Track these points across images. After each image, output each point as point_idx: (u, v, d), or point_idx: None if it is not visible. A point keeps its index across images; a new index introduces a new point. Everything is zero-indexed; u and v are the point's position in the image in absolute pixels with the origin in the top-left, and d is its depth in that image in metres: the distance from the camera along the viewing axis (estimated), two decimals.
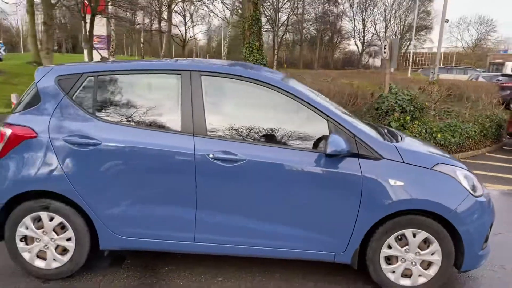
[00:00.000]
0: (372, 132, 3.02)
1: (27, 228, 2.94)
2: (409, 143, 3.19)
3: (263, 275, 3.14)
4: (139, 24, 36.40)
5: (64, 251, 2.99)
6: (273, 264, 3.26)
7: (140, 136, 2.87)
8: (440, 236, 2.83)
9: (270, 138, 2.95)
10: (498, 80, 19.07)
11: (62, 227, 2.95)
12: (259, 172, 2.82)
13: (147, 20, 36.92)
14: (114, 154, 2.84)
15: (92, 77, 2.96)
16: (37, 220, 2.94)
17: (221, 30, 45.63)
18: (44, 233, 2.95)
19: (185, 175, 2.82)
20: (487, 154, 8.37)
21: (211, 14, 34.39)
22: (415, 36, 68.74)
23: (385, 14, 63.15)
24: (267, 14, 38.57)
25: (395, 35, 66.68)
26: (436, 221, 2.82)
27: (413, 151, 2.97)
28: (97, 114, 2.92)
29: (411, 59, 60.94)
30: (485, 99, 9.94)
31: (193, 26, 37.13)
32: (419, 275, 2.91)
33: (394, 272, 2.92)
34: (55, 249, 2.97)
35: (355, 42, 66.40)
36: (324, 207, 2.84)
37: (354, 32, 64.27)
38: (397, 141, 3.07)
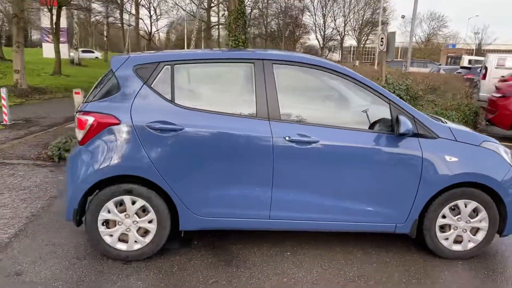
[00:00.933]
0: (425, 115, 3.36)
1: (109, 212, 3.04)
2: (454, 124, 3.56)
3: (325, 249, 3.41)
4: (103, 16, 35.35)
5: (145, 233, 3.12)
6: (333, 239, 3.54)
7: (218, 121, 3.04)
8: (488, 206, 3.22)
9: (338, 120, 3.21)
10: (459, 72, 20.31)
11: (143, 210, 3.08)
12: (331, 153, 3.08)
13: (117, 14, 35.99)
14: (195, 139, 3.00)
15: (169, 66, 3.09)
16: (119, 204, 3.05)
17: (183, 23, 45.13)
18: (127, 216, 3.06)
19: (263, 157, 3.03)
20: None
21: (177, 7, 33.92)
22: (371, 31, 70.87)
23: (344, 9, 64.66)
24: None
25: (354, 30, 68.48)
26: (484, 192, 3.21)
27: (462, 130, 3.34)
28: (176, 101, 3.05)
29: (368, 54, 62.97)
30: (462, 90, 10.69)
31: (157, 20, 36.43)
32: (469, 241, 3.29)
33: (447, 239, 3.28)
34: (137, 231, 3.10)
35: (316, 36, 67.57)
36: (389, 183, 3.15)
37: (315, 26, 65.41)
38: (445, 123, 3.43)
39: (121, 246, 3.11)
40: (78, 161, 3.03)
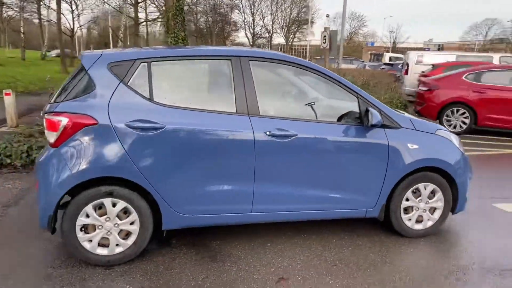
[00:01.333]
0: (388, 107, 3.63)
1: (88, 217, 2.92)
2: (411, 115, 3.89)
3: (301, 238, 3.57)
4: (17, 10, 32.60)
5: (127, 235, 3.04)
6: (307, 228, 3.71)
7: (199, 119, 3.05)
8: (443, 187, 3.58)
9: (312, 114, 3.37)
10: (383, 68, 21.81)
11: (125, 212, 3.00)
12: (308, 145, 3.23)
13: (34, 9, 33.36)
14: (177, 136, 2.98)
15: (146, 63, 3.03)
16: (98, 207, 2.94)
17: (108, 18, 43.09)
18: (107, 219, 2.96)
19: (245, 152, 3.10)
20: None
21: (102, 1, 32.26)
22: (298, 29, 73.03)
23: (271, 7, 65.98)
24: (157, 4, 37.64)
25: (282, 28, 70.17)
26: (440, 175, 3.56)
27: (420, 120, 3.66)
28: (155, 99, 3.01)
29: (295, 52, 64.88)
30: (391, 85, 11.54)
31: (78, 15, 34.32)
32: (428, 220, 3.64)
33: (410, 219, 3.60)
34: (118, 234, 3.01)
35: (245, 34, 68.23)
36: (360, 172, 3.38)
37: (244, 24, 66.06)
38: (404, 114, 3.74)
39: (102, 251, 3.00)
40: (52, 165, 2.86)
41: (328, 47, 7.65)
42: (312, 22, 71.68)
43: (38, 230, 3.27)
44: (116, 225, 2.99)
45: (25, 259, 3.07)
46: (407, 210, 3.60)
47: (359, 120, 3.37)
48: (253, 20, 68.09)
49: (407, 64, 14.17)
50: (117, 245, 3.02)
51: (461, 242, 3.64)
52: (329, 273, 3.02)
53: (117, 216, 2.98)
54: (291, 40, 71.58)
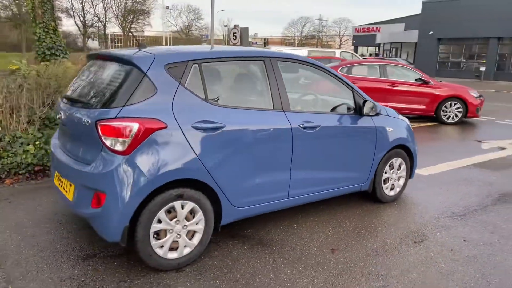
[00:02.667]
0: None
1: (160, 222, 2.87)
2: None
3: (315, 217, 4.08)
4: None
5: (192, 235, 3.07)
6: (310, 210, 4.23)
7: (248, 116, 3.26)
8: (406, 160, 4.58)
9: (325, 106, 3.91)
10: None
11: (191, 212, 3.03)
12: (326, 134, 3.75)
13: None
14: (234, 134, 3.14)
15: (197, 65, 3.08)
16: (168, 211, 2.91)
17: None
18: (177, 222, 2.95)
19: (286, 144, 3.45)
20: None
21: None
22: (134, 20, 70.47)
23: None
24: None
25: (117, 17, 66.55)
26: (403, 151, 4.52)
27: (388, 108, 4.54)
28: (209, 99, 3.09)
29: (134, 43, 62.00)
30: None
31: None
32: (397, 187, 4.58)
33: (387, 188, 4.48)
34: (186, 235, 3.03)
35: (75, 22, 62.52)
36: (359, 152, 4.07)
37: (73, 11, 60.46)
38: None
39: (172, 255, 2.98)
40: (124, 174, 2.71)
41: (239, 43, 8.11)
42: (148, 13, 69.98)
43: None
44: (184, 227, 3.00)
45: (100, 276, 2.82)
46: (385, 181, 4.46)
47: (353, 111, 4.04)
48: (83, 8, 62.84)
49: None
50: (185, 246, 3.03)
51: (417, 200, 4.69)
52: (359, 237, 3.64)
53: (185, 217, 3.00)
54: (128, 30, 68.62)
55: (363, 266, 3.15)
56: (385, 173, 4.41)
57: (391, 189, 4.55)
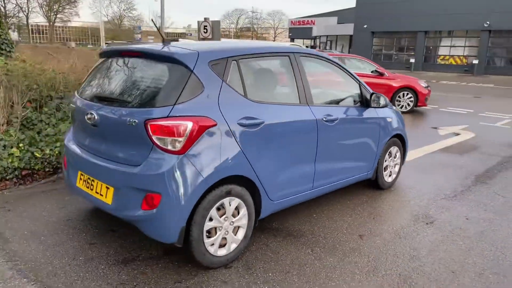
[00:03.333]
0: None
1: (211, 220, 2.87)
2: None
3: (327, 207, 4.25)
4: None
5: (237, 231, 3.09)
6: (322, 199, 4.40)
7: (281, 111, 3.34)
8: (400, 148, 4.91)
9: (340, 99, 4.07)
10: None
11: (235, 208, 3.05)
12: (343, 126, 3.92)
13: None
14: (272, 129, 3.20)
15: (235, 61, 3.08)
16: (218, 208, 2.91)
17: None
18: (225, 219, 2.96)
19: (312, 137, 3.57)
20: None
21: None
22: (60, 9, 66.34)
23: None
24: None
25: (41, 6, 62.20)
26: (398, 139, 4.84)
27: (387, 100, 4.81)
28: (248, 95, 3.11)
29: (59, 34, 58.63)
30: None
31: None
32: (394, 173, 4.90)
33: (386, 175, 4.77)
34: (232, 231, 3.04)
35: None
36: (367, 141, 4.30)
37: None
38: None
39: (221, 252, 2.98)
40: (180, 174, 2.66)
41: (210, 36, 8.02)
42: (75, 1, 66.18)
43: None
44: (231, 223, 3.01)
45: (150, 279, 2.74)
46: (385, 168, 4.75)
47: (359, 103, 4.25)
48: None
49: None
50: (232, 242, 3.05)
51: (410, 184, 5.05)
52: (376, 222, 3.87)
53: (232, 214, 3.01)
54: (53, 20, 64.38)
55: (394, 249, 3.37)
56: (385, 161, 4.70)
57: (389, 175, 4.85)
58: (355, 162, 4.21)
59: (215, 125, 2.80)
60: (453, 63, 32.33)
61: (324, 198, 4.40)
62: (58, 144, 4.95)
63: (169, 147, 2.67)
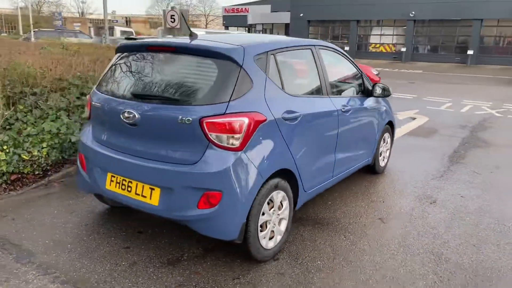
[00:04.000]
0: None
1: (263, 214, 2.89)
2: None
3: (335, 192, 4.42)
4: None
5: (280, 223, 3.14)
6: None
7: (312, 103, 3.42)
8: (390, 134, 5.21)
9: (351, 90, 4.23)
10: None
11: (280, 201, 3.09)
12: (355, 115, 4.09)
13: None
14: (307, 121, 3.27)
15: (273, 55, 3.09)
16: (267, 202, 2.93)
17: None
18: (273, 212, 2.99)
19: (335, 127, 3.70)
20: None
21: None
22: None
23: None
24: None
25: None
26: (389, 126, 5.15)
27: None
28: (285, 89, 3.14)
29: None
30: None
31: None
32: (386, 158, 5.20)
33: (381, 160, 5.06)
34: (277, 223, 3.08)
35: None
36: (370, 129, 4.53)
37: None
38: None
39: (270, 244, 3.02)
40: (240, 170, 2.64)
41: (178, 26, 7.75)
42: None
43: None
44: (277, 216, 3.05)
45: (206, 277, 2.69)
46: (380, 154, 5.02)
47: (361, 93, 4.45)
48: None
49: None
50: (279, 234, 3.09)
51: (402, 169, 5.40)
52: (388, 206, 4.12)
53: (278, 207, 3.05)
54: None
55: (415, 228, 3.63)
56: (381, 147, 4.97)
57: (383, 160, 5.14)
58: (361, 150, 4.41)
59: (265, 120, 2.81)
60: (383, 50, 34.26)
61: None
62: (44, 144, 4.58)
63: (227, 144, 2.63)
